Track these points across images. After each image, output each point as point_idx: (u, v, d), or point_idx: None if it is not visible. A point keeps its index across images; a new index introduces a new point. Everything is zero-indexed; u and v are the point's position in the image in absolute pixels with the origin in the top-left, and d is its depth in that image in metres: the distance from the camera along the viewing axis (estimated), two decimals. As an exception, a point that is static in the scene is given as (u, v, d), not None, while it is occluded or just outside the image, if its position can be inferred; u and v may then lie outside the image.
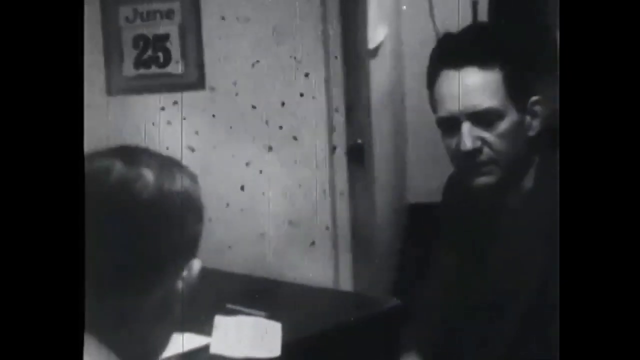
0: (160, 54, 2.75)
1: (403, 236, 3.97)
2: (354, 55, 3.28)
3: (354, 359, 2.24)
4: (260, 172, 2.95)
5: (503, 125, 1.79)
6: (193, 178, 1.29)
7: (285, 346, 2.13)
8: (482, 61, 1.79)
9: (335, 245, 3.00)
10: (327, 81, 3.12)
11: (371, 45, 3.60)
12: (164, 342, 1.28)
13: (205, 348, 2.05)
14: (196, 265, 1.27)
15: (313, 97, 3.11)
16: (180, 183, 1.24)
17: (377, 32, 3.69)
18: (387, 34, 3.88)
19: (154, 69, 2.75)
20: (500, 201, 1.88)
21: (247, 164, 2.92)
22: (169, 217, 1.22)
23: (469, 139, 1.79)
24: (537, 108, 1.84)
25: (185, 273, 1.24)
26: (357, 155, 3.22)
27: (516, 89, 1.80)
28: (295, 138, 3.05)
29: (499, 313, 1.83)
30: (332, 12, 3.16)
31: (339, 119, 3.16)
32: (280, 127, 3.01)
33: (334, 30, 3.16)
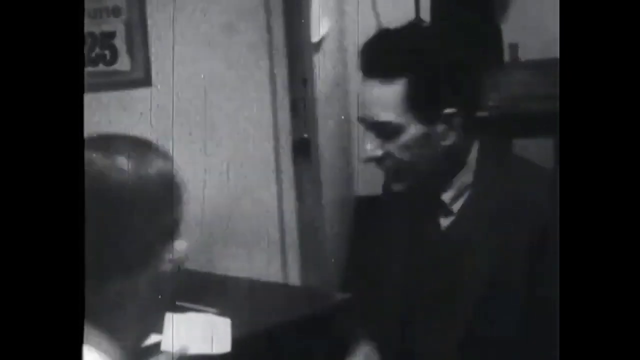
0: (107, 52, 2.73)
1: (350, 228, 3.99)
2: (297, 49, 3.29)
3: (304, 352, 2.25)
4: (206, 168, 2.96)
5: (404, 138, 1.77)
6: (166, 157, 1.29)
7: (235, 341, 2.14)
8: (384, 74, 1.76)
9: (283, 239, 3.01)
10: (272, 76, 3.13)
11: (315, 38, 3.61)
12: (157, 323, 1.28)
13: (158, 345, 2.05)
14: (181, 246, 1.27)
15: (258, 92, 3.12)
16: (154, 165, 1.25)
17: (320, 26, 3.70)
18: (331, 27, 3.89)
19: (101, 67, 2.73)
20: (435, 197, 1.88)
21: (193, 161, 2.92)
22: (148, 202, 1.23)
23: (369, 149, 1.79)
24: (453, 119, 1.79)
25: (170, 255, 1.25)
26: (303, 150, 3.23)
27: (422, 103, 1.76)
28: (241, 134, 3.06)
29: (450, 303, 1.84)
30: (276, 6, 3.16)
31: (285, 114, 3.18)
32: (227, 123, 3.02)
33: (278, 24, 3.17)
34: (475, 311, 1.81)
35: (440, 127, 1.79)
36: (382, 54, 1.79)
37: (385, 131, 1.78)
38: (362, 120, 1.81)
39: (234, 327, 2.19)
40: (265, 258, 2.95)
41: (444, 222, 1.89)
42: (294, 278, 3.00)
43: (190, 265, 2.66)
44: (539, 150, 3.61)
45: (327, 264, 3.06)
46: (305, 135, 3.25)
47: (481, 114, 3.60)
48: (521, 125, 3.74)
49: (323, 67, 3.69)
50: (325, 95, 3.66)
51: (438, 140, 1.80)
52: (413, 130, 1.77)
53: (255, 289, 2.57)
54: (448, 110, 1.79)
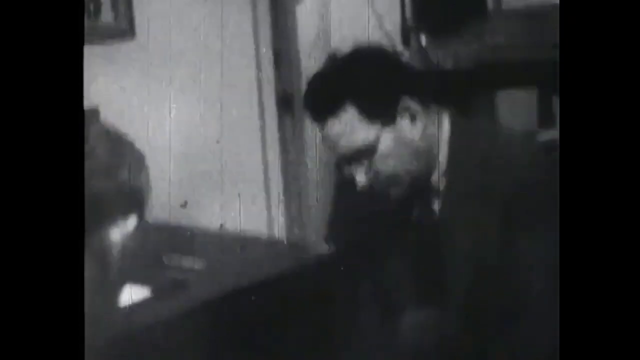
0: (92, 4, 2.71)
1: (334, 184, 3.98)
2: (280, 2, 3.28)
3: (289, 307, 2.26)
4: (191, 120, 2.94)
5: (383, 150, 1.81)
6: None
7: (222, 296, 2.14)
8: (335, 111, 1.80)
9: (267, 194, 3.02)
10: (255, 30, 3.11)
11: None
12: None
13: (147, 300, 2.05)
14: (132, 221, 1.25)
15: (241, 47, 3.10)
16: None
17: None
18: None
19: (85, 20, 2.71)
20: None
21: (176, 113, 2.91)
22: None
23: (362, 178, 1.83)
24: (413, 109, 1.83)
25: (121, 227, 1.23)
26: (287, 105, 3.22)
27: (376, 113, 1.81)
28: (224, 88, 3.04)
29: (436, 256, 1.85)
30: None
31: (268, 68, 3.16)
32: (210, 77, 3.00)
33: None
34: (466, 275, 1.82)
35: (402, 121, 1.82)
36: (321, 98, 1.83)
37: (362, 155, 1.81)
38: (339, 160, 1.86)
39: (220, 280, 2.20)
40: (250, 212, 2.95)
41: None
42: (279, 232, 3.01)
43: (176, 220, 2.69)
44: (523, 101, 3.62)
45: (311, 218, 3.06)
46: (289, 90, 3.24)
47: (466, 64, 3.61)
48: (505, 75, 3.73)
49: (305, 20, 3.66)
50: (308, 50, 3.64)
51: (410, 132, 1.83)
52: (385, 137, 1.80)
53: (240, 243, 2.57)
54: (403, 104, 1.82)
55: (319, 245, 2.50)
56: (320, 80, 1.87)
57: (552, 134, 3.11)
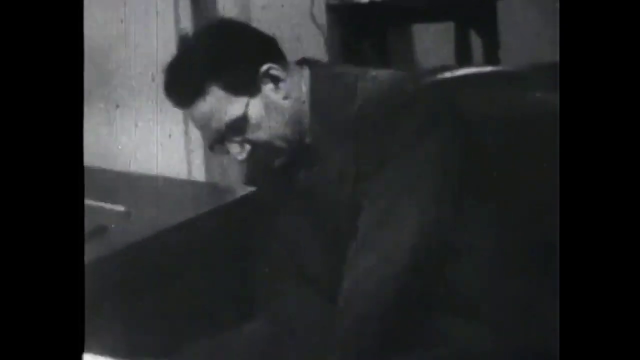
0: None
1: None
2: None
3: (212, 247, 2.29)
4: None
5: (253, 120, 1.83)
6: None
7: (143, 241, 2.16)
8: (200, 94, 1.81)
9: (187, 136, 3.00)
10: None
11: None
12: None
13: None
14: None
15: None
16: None
17: None
18: None
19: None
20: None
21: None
22: None
23: (239, 154, 1.86)
24: (274, 72, 1.85)
25: None
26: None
27: (241, 86, 1.81)
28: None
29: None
30: None
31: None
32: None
33: None
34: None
35: (268, 86, 1.85)
36: (182, 84, 1.83)
37: (235, 128, 1.83)
38: (211, 139, 1.86)
39: (142, 225, 2.21)
40: (169, 154, 2.94)
41: None
42: (199, 174, 3.00)
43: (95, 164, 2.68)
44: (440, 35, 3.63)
45: (231, 159, 3.06)
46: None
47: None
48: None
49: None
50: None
51: (280, 98, 1.85)
52: (254, 106, 1.82)
53: (160, 185, 2.58)
54: (263, 68, 1.83)
55: (238, 185, 2.52)
56: (177, 66, 1.86)
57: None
